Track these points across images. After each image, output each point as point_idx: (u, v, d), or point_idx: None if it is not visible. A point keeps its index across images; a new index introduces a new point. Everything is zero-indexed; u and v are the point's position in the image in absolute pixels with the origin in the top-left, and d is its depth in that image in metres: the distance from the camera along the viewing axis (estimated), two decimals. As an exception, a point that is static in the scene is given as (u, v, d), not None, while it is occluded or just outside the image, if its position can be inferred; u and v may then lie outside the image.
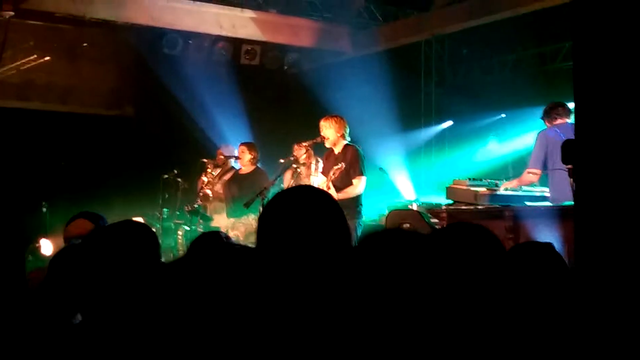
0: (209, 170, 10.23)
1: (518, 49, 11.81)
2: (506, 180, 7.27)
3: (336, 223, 2.22)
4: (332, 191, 7.93)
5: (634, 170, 2.81)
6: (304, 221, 2.18)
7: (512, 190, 6.89)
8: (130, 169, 11.65)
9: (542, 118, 7.31)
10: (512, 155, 10.93)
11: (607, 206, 3.01)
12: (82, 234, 3.48)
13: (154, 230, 2.75)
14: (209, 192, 10.12)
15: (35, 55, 12.17)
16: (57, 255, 2.97)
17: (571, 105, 7.05)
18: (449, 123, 12.56)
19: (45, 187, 11.38)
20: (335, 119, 8.19)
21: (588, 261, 3.11)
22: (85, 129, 12.53)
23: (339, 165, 7.89)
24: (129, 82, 13.24)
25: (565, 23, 9.44)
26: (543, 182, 7.18)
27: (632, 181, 2.83)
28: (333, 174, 7.90)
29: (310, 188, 2.45)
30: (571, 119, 6.98)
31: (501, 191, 6.84)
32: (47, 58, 12.26)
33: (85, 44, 12.52)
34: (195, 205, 9.95)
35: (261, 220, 2.28)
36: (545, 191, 7.03)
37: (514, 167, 10.28)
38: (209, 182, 10.13)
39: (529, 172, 6.96)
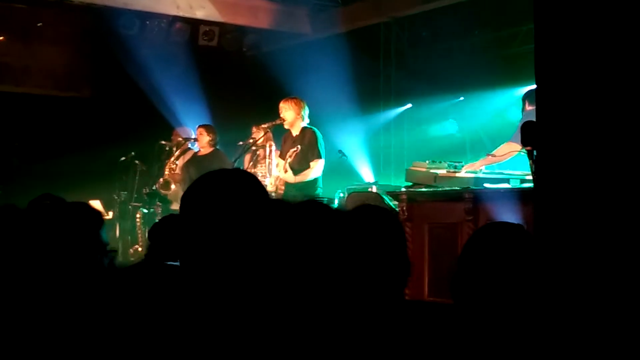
0: (172, 158, 10.04)
1: (475, 33, 11.84)
2: (465, 163, 7.23)
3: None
4: (290, 174, 7.95)
5: (594, 153, 2.84)
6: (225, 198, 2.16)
7: (472, 172, 6.87)
8: (87, 151, 11.49)
9: (524, 100, 7.19)
10: (470, 138, 11.00)
11: (567, 187, 3.04)
12: None
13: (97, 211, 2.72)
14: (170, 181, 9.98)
15: (-11, 36, 11.97)
16: None
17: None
18: (408, 106, 12.59)
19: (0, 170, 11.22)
20: (294, 100, 8.21)
21: (548, 242, 3.13)
22: (41, 111, 12.34)
23: (295, 148, 7.91)
24: (85, 63, 13.04)
25: (522, 6, 9.48)
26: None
27: (592, 163, 2.86)
28: (289, 157, 7.91)
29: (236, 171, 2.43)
30: None
31: (462, 173, 6.84)
32: (1, 38, 12.03)
33: (40, 24, 12.29)
34: (154, 188, 9.86)
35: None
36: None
37: (472, 150, 10.34)
38: (167, 165, 9.99)
39: (513, 150, 6.76)
